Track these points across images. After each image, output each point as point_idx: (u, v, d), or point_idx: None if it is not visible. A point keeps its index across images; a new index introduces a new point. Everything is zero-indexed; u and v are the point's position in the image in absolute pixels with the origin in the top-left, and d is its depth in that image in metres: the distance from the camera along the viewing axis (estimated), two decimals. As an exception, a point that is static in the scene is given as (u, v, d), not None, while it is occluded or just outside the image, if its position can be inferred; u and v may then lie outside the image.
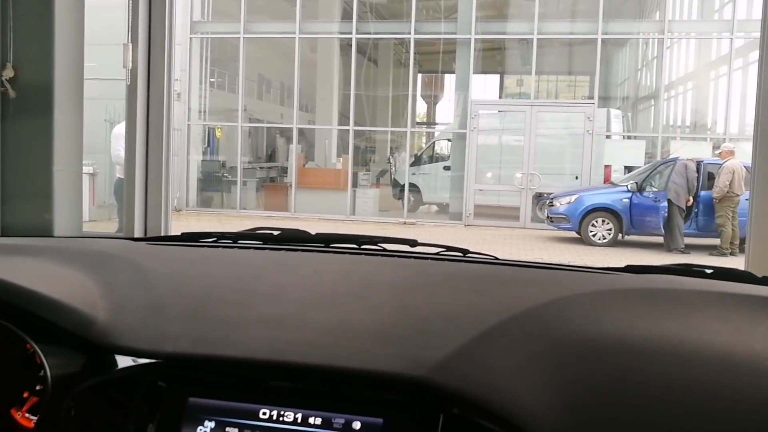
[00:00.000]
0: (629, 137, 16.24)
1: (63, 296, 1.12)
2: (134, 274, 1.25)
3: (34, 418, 1.12)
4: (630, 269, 1.39)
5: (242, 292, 1.18)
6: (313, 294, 1.18)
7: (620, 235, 12.16)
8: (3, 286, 1.11)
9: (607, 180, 14.34)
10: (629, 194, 12.06)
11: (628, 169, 14.32)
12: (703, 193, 11.48)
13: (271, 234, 1.62)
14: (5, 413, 1.13)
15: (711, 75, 16.21)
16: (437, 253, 1.53)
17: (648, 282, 1.26)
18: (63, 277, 1.21)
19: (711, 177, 11.53)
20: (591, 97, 15.53)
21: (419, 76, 21.30)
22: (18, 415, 1.14)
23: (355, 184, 15.65)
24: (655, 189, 12.05)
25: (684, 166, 11.36)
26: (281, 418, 0.93)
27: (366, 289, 1.19)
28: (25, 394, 1.15)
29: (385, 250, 1.56)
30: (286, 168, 16.69)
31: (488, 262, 1.45)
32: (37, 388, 1.14)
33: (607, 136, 15.32)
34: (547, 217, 13.05)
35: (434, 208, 16.71)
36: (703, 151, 13.89)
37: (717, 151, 12.56)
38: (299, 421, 0.92)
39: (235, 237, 1.62)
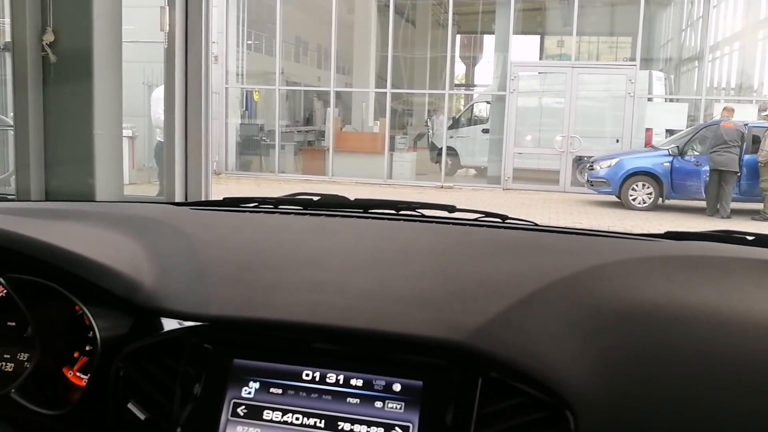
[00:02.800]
0: (671, 100, 15.89)
1: (109, 260, 1.14)
2: (178, 239, 1.27)
3: (85, 377, 1.16)
4: (669, 236, 1.38)
5: (284, 257, 1.20)
6: (353, 259, 1.19)
7: (660, 199, 12.00)
8: (51, 250, 1.14)
9: (648, 143, 14.11)
10: (670, 158, 11.87)
11: (670, 132, 14.05)
12: (747, 156, 11.24)
13: (311, 199, 1.63)
14: (58, 372, 1.17)
15: (759, 35, 15.71)
16: (476, 219, 1.53)
17: (687, 249, 1.25)
18: (109, 242, 1.24)
19: (756, 140, 11.27)
20: (633, 59, 15.21)
21: (458, 37, 21.02)
22: (70, 374, 1.18)
23: (392, 148, 15.59)
24: (697, 153, 11.83)
25: (738, 130, 11.10)
26: (324, 380, 0.94)
27: (405, 255, 1.20)
28: (76, 354, 1.19)
29: (423, 215, 1.56)
30: (324, 131, 16.69)
31: (527, 228, 1.45)
32: (87, 348, 1.18)
33: (649, 99, 15.04)
34: (587, 180, 12.91)
35: (472, 171, 16.62)
36: (749, 114, 13.55)
37: (764, 113, 12.27)
38: (341, 382, 0.94)
39: (275, 202, 1.64)
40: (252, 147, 16.56)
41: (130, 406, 1.00)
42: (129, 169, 11.23)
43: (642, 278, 1.09)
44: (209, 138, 2.79)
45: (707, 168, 11.28)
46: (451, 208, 1.55)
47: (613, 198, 12.43)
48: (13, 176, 2.63)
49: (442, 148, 15.60)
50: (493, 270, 1.12)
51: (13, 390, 1.08)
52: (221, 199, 1.73)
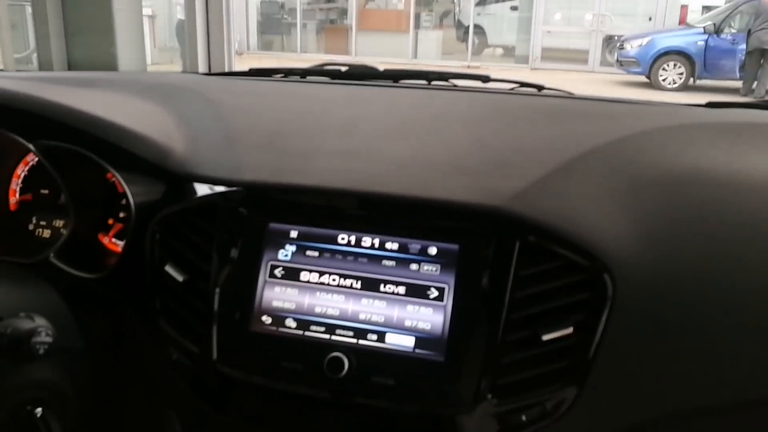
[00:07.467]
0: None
1: (139, 126, 1.13)
2: (207, 106, 1.25)
3: (121, 243, 1.18)
4: (712, 105, 1.33)
5: (315, 125, 1.17)
6: (386, 127, 1.16)
7: (692, 79, 11.70)
8: (81, 116, 1.12)
9: (682, 21, 13.61)
10: (705, 36, 11.47)
11: (707, 9, 13.50)
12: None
13: (339, 70, 1.59)
14: (93, 238, 1.18)
15: None
16: (511, 89, 1.49)
17: (732, 116, 1.21)
18: (137, 108, 1.22)
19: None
20: (671, -71, 14.43)
21: None
22: (105, 240, 1.19)
23: (417, 26, 15.24)
24: (734, 31, 11.41)
25: None
26: (359, 243, 0.94)
27: (440, 123, 1.17)
28: (110, 221, 1.20)
29: (456, 86, 1.52)
30: (347, 9, 16.27)
31: (565, 97, 1.41)
32: (121, 215, 1.19)
33: (687, -27, 14.37)
34: (617, 60, 12.60)
35: (499, 51, 16.23)
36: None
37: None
38: (376, 246, 0.94)
39: (303, 73, 1.60)
40: (273, 26, 16.27)
41: (167, 268, 1.01)
42: (151, 48, 11.03)
43: (685, 144, 1.06)
44: (231, 13, 2.73)
45: (743, 47, 10.91)
46: (486, 78, 1.51)
47: (643, 78, 12.14)
48: (35, 54, 2.59)
49: (468, 26, 15.19)
50: (531, 136, 1.09)
51: (51, 254, 1.10)
52: (246, 69, 1.70)
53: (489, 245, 0.90)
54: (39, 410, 0.87)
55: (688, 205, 0.94)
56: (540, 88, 1.47)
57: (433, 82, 1.53)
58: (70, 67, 2.33)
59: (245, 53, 15.39)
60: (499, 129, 1.14)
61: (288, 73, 1.61)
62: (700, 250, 0.90)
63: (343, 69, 1.59)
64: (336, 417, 0.93)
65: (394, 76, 1.53)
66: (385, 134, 1.13)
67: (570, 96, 1.43)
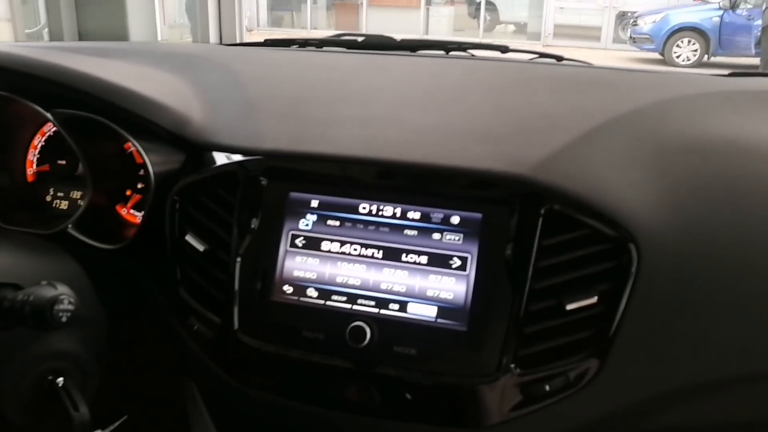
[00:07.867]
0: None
1: (157, 94, 1.11)
2: (224, 74, 1.23)
3: (139, 214, 1.17)
4: (735, 74, 1.31)
5: (334, 93, 1.16)
6: (406, 95, 1.14)
7: (706, 56, 11.58)
8: (99, 83, 1.10)
9: (698, -4, 13.45)
10: (720, 12, 11.32)
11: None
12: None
13: (356, 40, 1.58)
14: (111, 210, 1.18)
15: None
16: (530, 60, 1.47)
17: (756, 84, 1.19)
18: (155, 77, 1.21)
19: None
20: None
21: None
22: (123, 212, 1.18)
23: (428, 2, 15.14)
24: (750, 6, 11.25)
25: None
26: (381, 213, 0.93)
27: (461, 90, 1.15)
28: (128, 192, 1.19)
29: (474, 56, 1.50)
30: (357, -15, 16.18)
31: (585, 67, 1.39)
32: (139, 186, 1.18)
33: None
34: (630, 37, 12.48)
35: (511, 27, 16.10)
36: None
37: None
38: (398, 215, 0.93)
39: (319, 43, 1.59)
40: (283, 2, 16.20)
41: (188, 238, 1.00)
42: (160, 25, 10.95)
43: (711, 112, 1.04)
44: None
45: (759, 22, 10.75)
46: (504, 48, 1.49)
47: (656, 55, 12.02)
48: (45, 29, 2.58)
49: (480, 2, 15.07)
50: (554, 104, 1.07)
51: (69, 225, 1.09)
52: (262, 41, 1.68)
53: (512, 214, 0.89)
54: (61, 380, 0.87)
55: (714, 174, 0.92)
56: (559, 58, 1.45)
57: (451, 53, 1.51)
58: (81, 38, 2.32)
59: (255, 29, 15.32)
60: (521, 97, 1.12)
61: (304, 43, 1.60)
62: (727, 219, 0.88)
63: (360, 39, 1.58)
64: (357, 386, 0.93)
65: (411, 47, 1.52)
66: (405, 102, 1.11)
67: (590, 66, 1.41)
